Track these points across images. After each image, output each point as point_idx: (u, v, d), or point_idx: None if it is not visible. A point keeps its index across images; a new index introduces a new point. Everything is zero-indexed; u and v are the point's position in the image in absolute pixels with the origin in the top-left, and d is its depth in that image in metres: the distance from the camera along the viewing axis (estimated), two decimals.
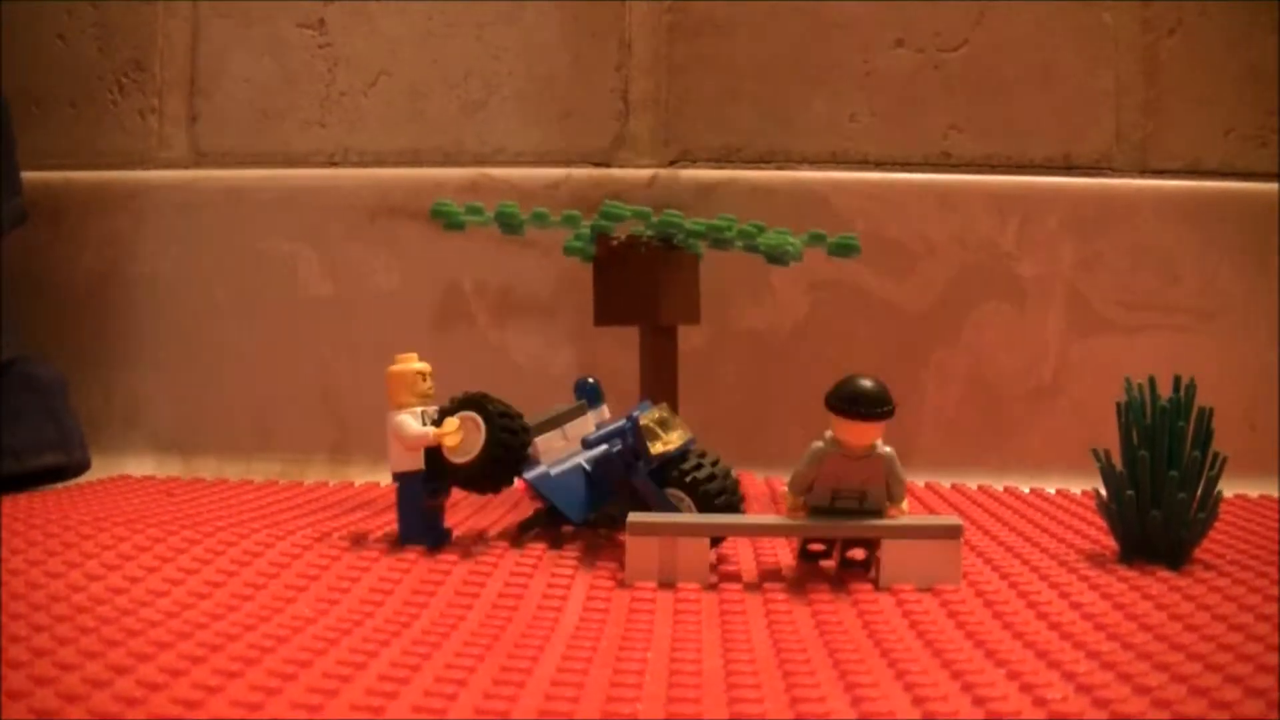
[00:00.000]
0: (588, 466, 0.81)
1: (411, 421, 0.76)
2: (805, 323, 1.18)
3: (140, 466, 1.15)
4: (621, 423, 0.77)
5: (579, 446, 0.82)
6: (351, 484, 1.07)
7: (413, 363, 0.77)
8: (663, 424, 0.77)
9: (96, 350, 1.21)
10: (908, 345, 1.17)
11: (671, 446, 0.76)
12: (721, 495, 0.75)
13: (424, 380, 0.77)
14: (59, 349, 1.15)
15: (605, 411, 0.88)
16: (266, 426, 1.19)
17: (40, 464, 1.02)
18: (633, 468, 0.76)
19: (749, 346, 1.18)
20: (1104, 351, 1.16)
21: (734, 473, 0.78)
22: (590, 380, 0.88)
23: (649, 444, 0.75)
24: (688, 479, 0.75)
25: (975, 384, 1.17)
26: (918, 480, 1.10)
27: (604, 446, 0.78)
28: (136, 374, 1.21)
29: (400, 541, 0.77)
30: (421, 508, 0.78)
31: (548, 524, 0.83)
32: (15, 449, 1.00)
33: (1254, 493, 1.02)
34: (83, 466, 1.06)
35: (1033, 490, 1.06)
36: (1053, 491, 1.05)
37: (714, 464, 0.76)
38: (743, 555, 0.77)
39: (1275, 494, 1.03)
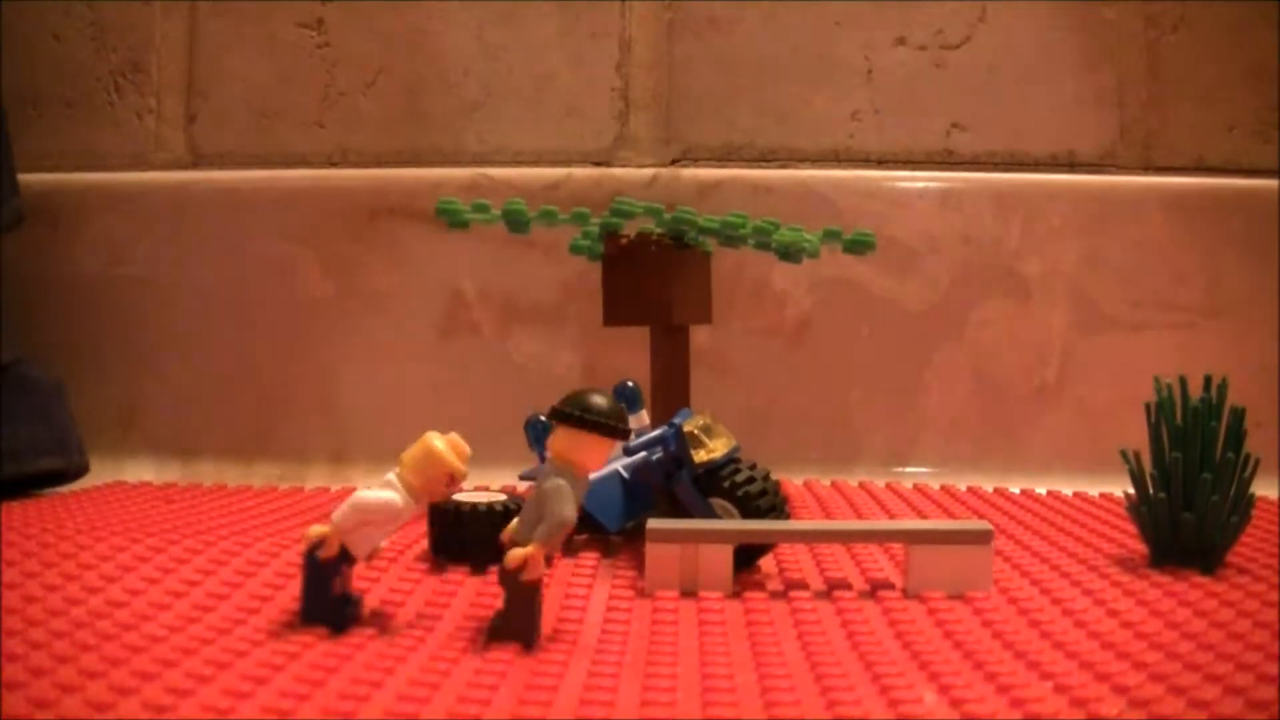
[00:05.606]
0: (625, 474, 0.79)
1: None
2: (807, 322, 1.17)
3: (139, 470, 1.13)
4: (663, 429, 0.75)
5: (616, 452, 0.78)
6: (354, 488, 1.05)
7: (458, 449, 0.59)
8: (707, 431, 0.74)
9: (94, 353, 1.19)
10: (910, 344, 1.16)
11: (716, 454, 0.73)
12: (764, 497, 0.73)
13: (442, 476, 0.59)
14: (56, 352, 1.13)
15: (644, 416, 0.85)
16: (266, 430, 1.17)
17: (37, 468, 1.01)
18: (673, 476, 0.74)
19: (750, 346, 1.17)
20: (1108, 350, 1.15)
21: (774, 477, 0.75)
22: (630, 384, 0.85)
23: (693, 452, 0.73)
24: (726, 484, 0.73)
25: (979, 382, 1.16)
26: (931, 481, 1.09)
27: (644, 453, 0.76)
28: (134, 377, 1.19)
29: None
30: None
31: (582, 533, 0.79)
32: (12, 453, 0.99)
33: (1268, 493, 0.98)
34: (81, 470, 1.05)
35: (1050, 492, 1.04)
36: (1069, 493, 1.03)
37: (752, 468, 0.74)
38: (765, 561, 0.74)
39: None
